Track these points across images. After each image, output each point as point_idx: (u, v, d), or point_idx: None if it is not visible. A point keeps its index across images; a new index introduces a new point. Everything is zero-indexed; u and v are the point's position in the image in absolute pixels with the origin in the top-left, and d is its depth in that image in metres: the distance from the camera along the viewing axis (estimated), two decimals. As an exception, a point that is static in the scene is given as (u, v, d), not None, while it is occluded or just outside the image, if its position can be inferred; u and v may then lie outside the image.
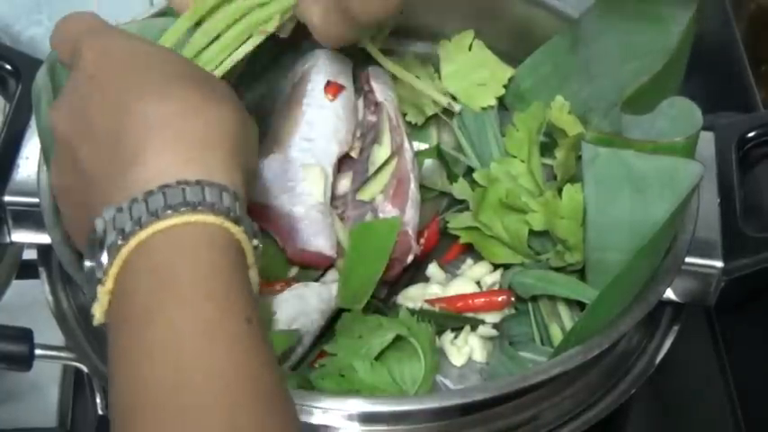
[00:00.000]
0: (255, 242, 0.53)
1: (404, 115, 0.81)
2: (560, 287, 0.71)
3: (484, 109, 0.80)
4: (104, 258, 0.50)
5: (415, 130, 0.83)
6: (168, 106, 0.53)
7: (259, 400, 0.46)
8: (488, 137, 0.79)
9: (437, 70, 0.82)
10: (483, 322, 0.72)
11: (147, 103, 0.53)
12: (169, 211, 0.50)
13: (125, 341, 0.49)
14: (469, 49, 0.81)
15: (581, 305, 0.71)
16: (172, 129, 0.52)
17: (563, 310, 0.71)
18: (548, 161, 0.76)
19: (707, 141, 0.77)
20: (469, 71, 0.81)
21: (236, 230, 0.51)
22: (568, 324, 0.70)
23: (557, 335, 0.70)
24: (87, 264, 0.51)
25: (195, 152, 0.52)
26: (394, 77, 0.80)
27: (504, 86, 0.81)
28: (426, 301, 0.73)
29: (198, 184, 0.51)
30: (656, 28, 0.73)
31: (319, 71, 0.78)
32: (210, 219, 0.50)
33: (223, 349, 0.47)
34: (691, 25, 0.69)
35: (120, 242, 0.50)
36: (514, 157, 0.76)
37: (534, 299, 0.72)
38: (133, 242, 0.50)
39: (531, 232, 0.73)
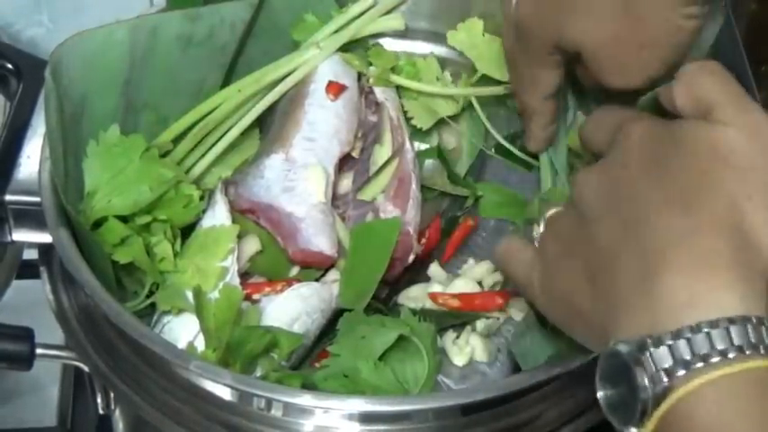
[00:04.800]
0: None
1: (409, 120, 0.82)
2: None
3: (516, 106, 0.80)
4: (645, 395, 0.47)
5: (417, 130, 0.83)
6: (693, 218, 0.49)
7: None
8: (562, 151, 0.78)
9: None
10: (487, 317, 0.72)
11: (671, 213, 0.49)
12: (717, 359, 0.46)
13: None
14: (483, 35, 0.82)
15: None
16: (697, 246, 0.48)
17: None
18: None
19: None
20: (496, 53, 0.81)
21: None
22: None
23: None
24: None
25: (722, 277, 0.48)
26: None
27: None
28: (430, 294, 0.73)
29: (739, 321, 0.46)
30: None
31: (322, 71, 0.78)
32: (758, 363, 0.46)
33: None
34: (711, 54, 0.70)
35: (665, 385, 0.46)
36: None
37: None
38: (681, 390, 0.46)
39: None
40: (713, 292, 0.47)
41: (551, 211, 0.59)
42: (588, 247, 0.53)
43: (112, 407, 0.74)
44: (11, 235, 0.73)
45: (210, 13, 0.76)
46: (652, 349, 0.46)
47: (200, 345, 0.66)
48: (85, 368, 0.69)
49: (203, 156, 0.76)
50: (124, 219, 0.70)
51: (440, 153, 0.81)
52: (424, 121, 0.82)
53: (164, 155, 0.73)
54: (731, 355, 0.46)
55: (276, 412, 0.63)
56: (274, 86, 0.77)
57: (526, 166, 0.80)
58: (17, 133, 0.75)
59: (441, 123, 0.83)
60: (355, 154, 0.77)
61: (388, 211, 0.73)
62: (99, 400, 0.74)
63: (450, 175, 0.80)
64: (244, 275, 0.71)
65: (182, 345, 0.66)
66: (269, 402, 0.62)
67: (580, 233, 0.54)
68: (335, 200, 0.75)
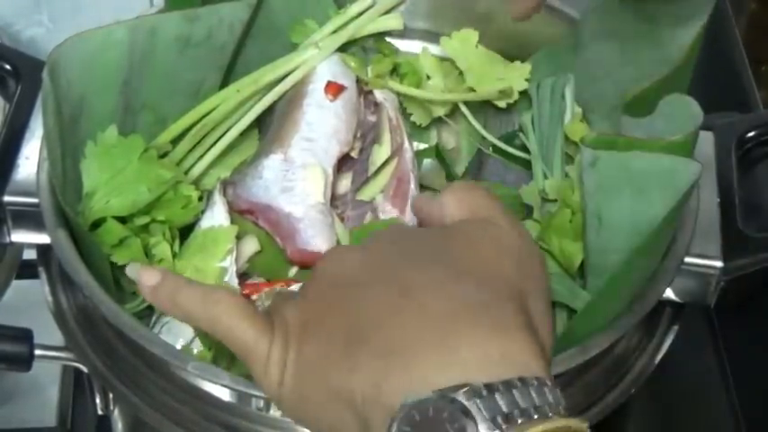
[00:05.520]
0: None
1: (409, 115, 0.81)
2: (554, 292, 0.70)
3: (510, 105, 0.80)
4: None
5: (416, 130, 0.83)
6: (486, 292, 0.49)
7: None
8: (556, 145, 0.78)
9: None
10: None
11: (464, 283, 0.50)
12: (536, 416, 0.44)
13: None
14: (476, 47, 0.82)
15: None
16: (496, 313, 0.48)
17: (558, 315, 0.71)
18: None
19: (706, 141, 0.77)
20: (486, 67, 0.81)
21: (575, 423, 0.45)
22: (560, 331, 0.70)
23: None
24: None
25: (525, 342, 0.47)
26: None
27: (527, 80, 0.80)
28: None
29: (549, 382, 0.46)
30: (655, 40, 0.73)
31: (320, 71, 0.78)
32: (570, 422, 0.45)
33: None
34: (697, 41, 0.69)
35: None
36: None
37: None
38: None
39: None
40: (522, 353, 0.46)
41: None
42: (351, 310, 0.49)
43: (111, 407, 0.74)
44: (9, 236, 0.73)
45: (209, 14, 0.75)
46: (473, 399, 0.44)
47: (199, 345, 0.67)
48: (84, 369, 0.69)
49: (202, 156, 0.76)
50: (122, 219, 0.70)
51: (438, 153, 0.81)
52: (422, 118, 0.82)
53: (162, 155, 0.73)
54: (549, 413, 0.45)
55: (275, 413, 0.62)
56: (273, 87, 0.77)
57: (524, 164, 0.79)
58: (15, 134, 0.75)
59: (439, 123, 0.83)
60: (354, 154, 0.77)
61: (387, 211, 0.73)
62: (98, 401, 0.74)
63: (449, 175, 0.80)
64: (242, 276, 0.71)
65: (180, 345, 0.66)
66: (267, 403, 0.62)
67: (337, 297, 0.51)
68: (334, 200, 0.75)
